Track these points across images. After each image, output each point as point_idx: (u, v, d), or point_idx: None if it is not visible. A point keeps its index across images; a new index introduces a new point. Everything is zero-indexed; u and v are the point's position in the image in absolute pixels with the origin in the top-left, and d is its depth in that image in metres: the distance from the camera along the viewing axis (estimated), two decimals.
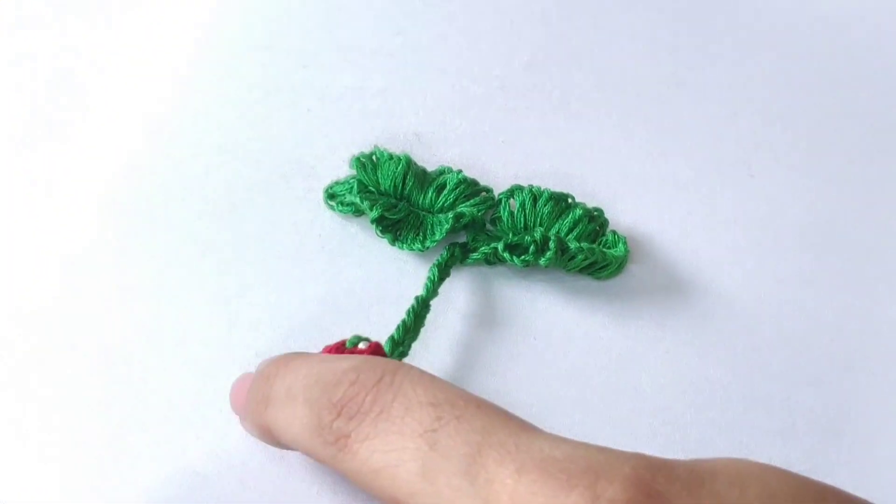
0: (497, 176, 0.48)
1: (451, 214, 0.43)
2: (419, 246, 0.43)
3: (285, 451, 0.37)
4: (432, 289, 0.42)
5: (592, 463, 0.26)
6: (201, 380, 0.40)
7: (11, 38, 0.53)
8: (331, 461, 0.30)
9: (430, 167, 0.47)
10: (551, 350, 0.41)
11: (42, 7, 0.55)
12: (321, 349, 0.38)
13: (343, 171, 0.47)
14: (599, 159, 0.49)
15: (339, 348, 0.37)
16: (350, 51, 0.55)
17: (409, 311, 0.41)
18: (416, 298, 0.41)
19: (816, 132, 0.50)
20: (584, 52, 0.54)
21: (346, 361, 0.32)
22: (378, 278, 0.44)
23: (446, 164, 0.47)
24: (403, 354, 0.39)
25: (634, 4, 0.56)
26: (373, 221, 0.43)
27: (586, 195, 0.46)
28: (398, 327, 0.40)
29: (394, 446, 0.29)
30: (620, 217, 0.46)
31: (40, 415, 0.40)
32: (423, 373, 0.31)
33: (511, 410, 0.39)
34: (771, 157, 0.49)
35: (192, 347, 0.41)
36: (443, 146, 0.49)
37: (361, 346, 0.37)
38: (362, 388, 0.30)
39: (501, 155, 0.49)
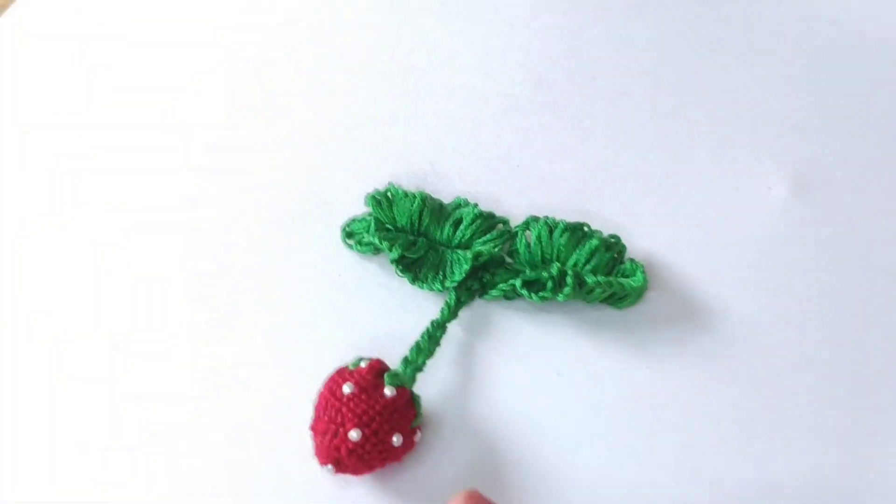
0: (513, 203, 0.48)
1: (470, 255, 0.43)
2: (439, 286, 0.43)
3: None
4: (448, 312, 0.43)
5: None
6: (220, 426, 0.41)
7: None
8: None
9: (446, 196, 0.47)
10: (574, 385, 0.41)
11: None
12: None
13: (358, 204, 0.48)
14: (614, 179, 0.49)
15: (342, 373, 0.39)
16: (359, 75, 0.55)
17: (423, 333, 0.42)
18: (432, 322, 0.42)
19: (837, 145, 0.49)
20: (595, 67, 0.54)
21: None
22: (398, 316, 0.44)
23: (462, 195, 0.47)
24: (419, 369, 0.40)
25: (646, 15, 0.56)
26: (393, 262, 0.44)
27: (603, 219, 0.46)
28: (412, 349, 0.41)
29: None
30: (637, 241, 0.46)
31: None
32: None
33: (535, 447, 0.39)
34: (790, 171, 0.48)
35: (209, 394, 0.42)
36: (457, 175, 0.49)
37: (363, 364, 0.39)
38: None
39: (517, 180, 0.49)
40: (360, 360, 0.39)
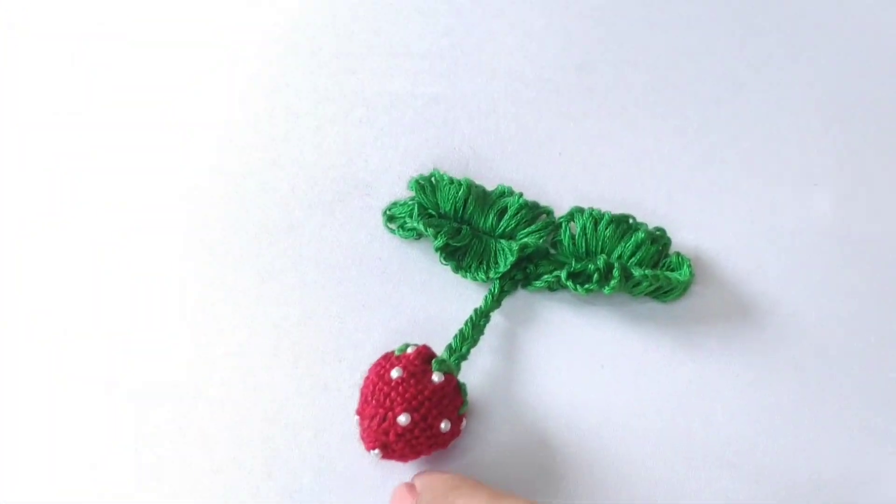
0: (555, 189, 0.47)
1: (515, 246, 0.43)
2: (483, 277, 0.43)
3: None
4: (491, 301, 0.42)
5: None
6: (264, 411, 0.41)
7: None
8: None
9: (487, 181, 0.47)
10: (619, 378, 0.41)
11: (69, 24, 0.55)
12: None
13: (399, 186, 0.47)
14: (658, 168, 0.48)
15: (389, 358, 0.39)
16: (398, 55, 0.54)
17: (466, 321, 0.42)
18: (475, 310, 0.42)
19: (883, 140, 0.49)
20: (638, 52, 0.53)
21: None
22: (440, 302, 0.44)
23: (503, 180, 0.47)
24: (463, 358, 0.40)
25: (690, 0, 0.55)
26: (437, 249, 0.43)
27: (647, 209, 0.46)
28: (455, 336, 0.41)
29: None
30: (682, 233, 0.45)
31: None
32: None
33: (580, 439, 0.39)
34: (836, 164, 0.48)
35: (254, 378, 0.42)
36: (499, 159, 0.49)
37: (409, 350, 0.39)
38: None
39: (559, 167, 0.48)
40: (407, 346, 0.39)
